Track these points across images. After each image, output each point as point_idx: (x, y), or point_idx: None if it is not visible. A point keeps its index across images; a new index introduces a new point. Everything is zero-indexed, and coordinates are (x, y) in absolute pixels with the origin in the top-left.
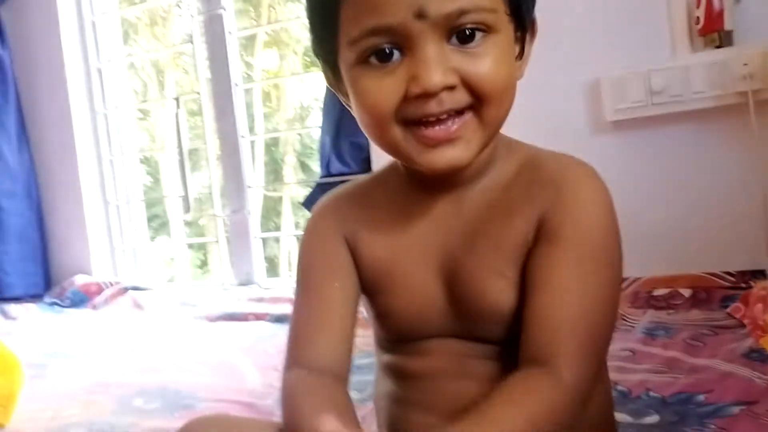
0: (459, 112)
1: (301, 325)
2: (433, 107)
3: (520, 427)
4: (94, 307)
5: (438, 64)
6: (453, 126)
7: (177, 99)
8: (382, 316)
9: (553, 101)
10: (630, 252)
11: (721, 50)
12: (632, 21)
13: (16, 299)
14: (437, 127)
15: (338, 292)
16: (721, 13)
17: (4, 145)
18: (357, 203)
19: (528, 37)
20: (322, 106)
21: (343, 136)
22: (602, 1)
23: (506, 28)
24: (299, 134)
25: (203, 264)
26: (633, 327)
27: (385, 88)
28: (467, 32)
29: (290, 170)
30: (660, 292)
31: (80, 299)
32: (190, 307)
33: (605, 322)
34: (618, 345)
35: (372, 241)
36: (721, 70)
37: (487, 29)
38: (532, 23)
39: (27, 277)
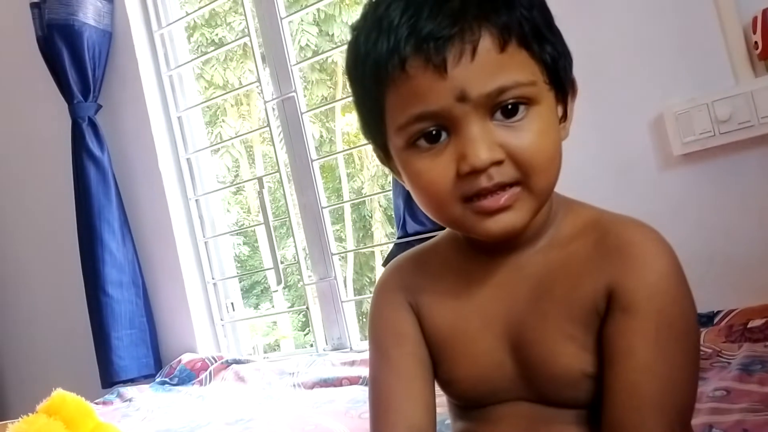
0: (507, 185)
1: (382, 397)
2: (483, 182)
3: None
4: (201, 384)
5: (483, 142)
6: (502, 198)
7: (260, 179)
8: (446, 384)
9: (618, 141)
10: (719, 286)
11: None
12: (689, 52)
13: (131, 381)
14: (490, 198)
15: (411, 359)
16: None
17: (111, 241)
18: (419, 271)
19: (570, 98)
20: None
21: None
22: (656, 36)
23: (547, 97)
24: (383, 189)
25: (305, 325)
26: (728, 363)
27: (438, 168)
28: (509, 107)
29: (378, 225)
30: (756, 323)
31: (187, 377)
32: (288, 376)
33: (689, 392)
34: (711, 385)
35: (433, 309)
36: None
37: (529, 102)
38: (572, 83)
39: (139, 359)
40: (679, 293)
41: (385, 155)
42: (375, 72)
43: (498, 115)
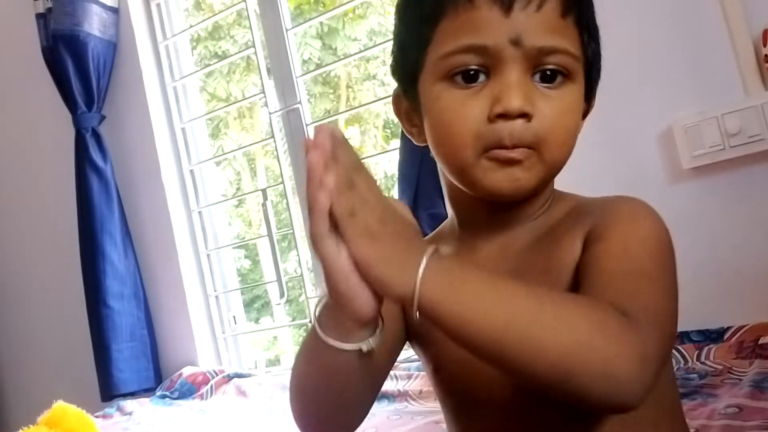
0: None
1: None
2: (506, 134)
3: (558, 314)
4: (202, 398)
5: (520, 90)
6: (516, 152)
7: (264, 191)
8: (436, 370)
9: (627, 154)
10: (728, 301)
11: None
12: (698, 65)
13: (131, 394)
14: (504, 151)
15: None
16: None
17: (113, 253)
18: None
19: (585, 107)
20: (397, 182)
21: (421, 208)
22: (665, 49)
23: (581, 82)
24: None
25: None
26: (740, 380)
27: (468, 108)
28: (548, 72)
29: None
30: (767, 339)
31: (188, 390)
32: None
33: (667, 299)
34: (723, 402)
35: None
36: None
37: (568, 75)
38: (592, 98)
39: (139, 372)
40: (654, 225)
41: (406, 96)
42: None
43: (537, 77)
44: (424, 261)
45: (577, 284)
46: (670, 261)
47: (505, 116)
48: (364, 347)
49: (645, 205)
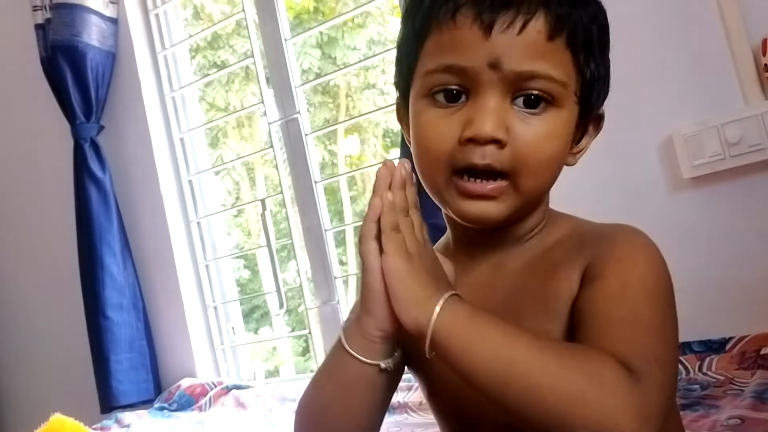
0: (496, 176)
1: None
2: (477, 158)
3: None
4: (200, 409)
5: (493, 116)
6: (488, 186)
7: (263, 201)
8: (431, 394)
9: (627, 163)
10: (730, 311)
11: None
12: (698, 75)
13: (130, 406)
14: (476, 182)
15: None
16: None
17: (111, 263)
18: None
19: (591, 130)
20: None
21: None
22: (665, 58)
23: (571, 108)
24: None
25: (305, 351)
26: (741, 391)
27: (444, 126)
28: (532, 97)
29: None
30: None
31: (187, 402)
32: (289, 402)
33: (666, 339)
34: (725, 413)
35: None
36: None
37: (552, 101)
38: (599, 119)
39: (138, 384)
40: (653, 262)
41: (404, 107)
42: (428, 11)
43: (519, 101)
44: (442, 301)
45: (571, 316)
46: (669, 300)
47: (475, 141)
48: (383, 364)
49: (643, 237)
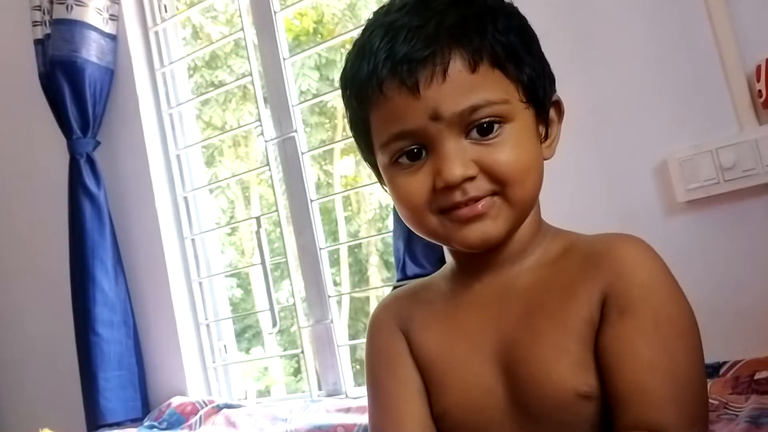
0: (483, 198)
1: (376, 426)
2: (458, 197)
3: None
4: (190, 428)
5: (457, 158)
6: (479, 205)
7: (258, 218)
8: (440, 418)
9: (621, 187)
10: (724, 335)
11: None
12: (693, 99)
13: (118, 424)
14: (465, 207)
15: (401, 387)
16: None
17: (103, 279)
18: (412, 301)
19: (556, 117)
20: (392, 213)
21: (416, 238)
22: (659, 83)
23: (523, 114)
24: (380, 232)
25: (297, 372)
26: (736, 416)
27: (415, 183)
28: (485, 125)
29: (374, 269)
30: (763, 374)
31: (177, 421)
32: (281, 422)
33: (701, 388)
34: None
35: (421, 336)
36: None
37: (503, 119)
38: (557, 104)
39: (127, 402)
40: (673, 290)
41: (378, 175)
42: (358, 94)
43: (474, 133)
44: None
45: (588, 336)
46: (690, 312)
47: (449, 188)
48: None
49: (650, 253)
